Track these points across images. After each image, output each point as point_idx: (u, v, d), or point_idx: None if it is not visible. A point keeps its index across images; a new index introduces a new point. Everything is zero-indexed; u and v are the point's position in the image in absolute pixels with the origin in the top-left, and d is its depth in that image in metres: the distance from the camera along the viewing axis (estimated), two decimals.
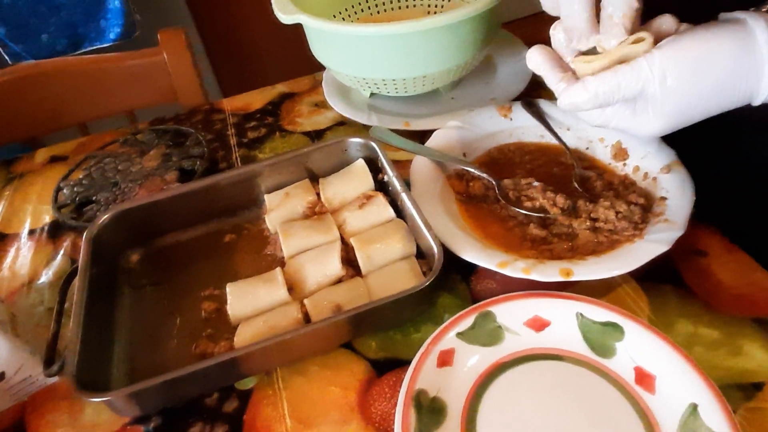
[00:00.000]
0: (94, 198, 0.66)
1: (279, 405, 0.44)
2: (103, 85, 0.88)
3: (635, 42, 0.40)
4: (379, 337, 0.47)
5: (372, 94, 0.74)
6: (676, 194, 0.49)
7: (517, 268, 0.45)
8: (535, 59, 0.44)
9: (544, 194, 0.52)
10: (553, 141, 0.60)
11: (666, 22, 0.41)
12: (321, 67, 0.79)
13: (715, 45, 0.37)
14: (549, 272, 0.44)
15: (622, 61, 0.40)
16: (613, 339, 0.42)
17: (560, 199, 0.52)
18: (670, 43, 0.38)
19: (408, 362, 0.42)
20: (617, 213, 0.49)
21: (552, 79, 0.43)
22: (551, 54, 0.44)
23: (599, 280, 0.48)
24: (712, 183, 0.50)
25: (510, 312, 0.44)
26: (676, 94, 0.39)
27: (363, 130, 0.69)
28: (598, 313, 0.43)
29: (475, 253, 0.47)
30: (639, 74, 0.39)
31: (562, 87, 0.42)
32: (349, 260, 0.52)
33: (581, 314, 0.43)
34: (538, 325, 0.44)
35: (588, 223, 0.50)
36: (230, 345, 0.47)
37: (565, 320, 0.44)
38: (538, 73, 0.45)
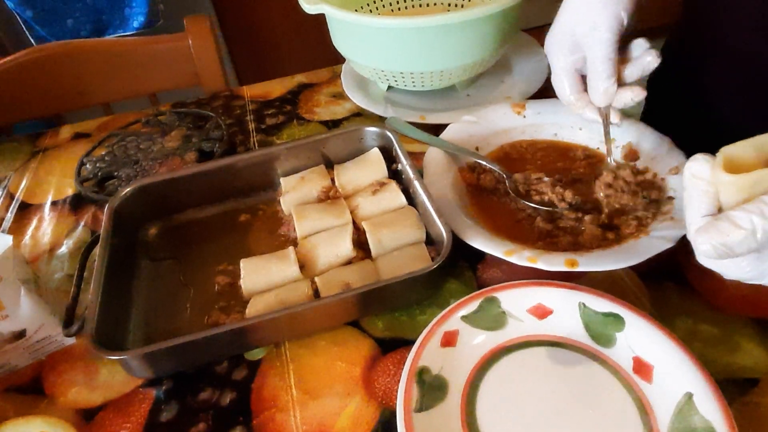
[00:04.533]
0: (115, 174, 0.68)
1: (286, 376, 0.45)
2: (128, 67, 0.91)
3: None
4: (385, 317, 0.49)
5: (389, 88, 0.75)
6: (683, 195, 0.50)
7: (523, 257, 0.46)
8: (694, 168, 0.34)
9: (553, 189, 0.54)
10: (566, 139, 0.61)
11: (639, 44, 0.45)
12: (338, 61, 0.81)
13: None
14: (554, 262, 0.45)
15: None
16: (613, 329, 0.43)
17: (568, 194, 0.53)
18: None
19: (412, 342, 0.43)
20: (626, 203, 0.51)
21: (695, 212, 0.34)
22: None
23: (602, 274, 0.49)
24: None
25: (514, 299, 0.46)
26: None
27: (379, 121, 0.70)
28: (601, 303, 0.44)
29: (483, 240, 0.48)
30: None
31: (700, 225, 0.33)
32: (360, 243, 0.53)
33: (584, 304, 0.44)
34: (541, 312, 0.45)
35: (600, 221, 0.51)
36: (242, 317, 0.48)
37: (567, 309, 0.45)
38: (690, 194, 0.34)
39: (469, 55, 0.66)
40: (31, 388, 0.47)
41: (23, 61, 0.88)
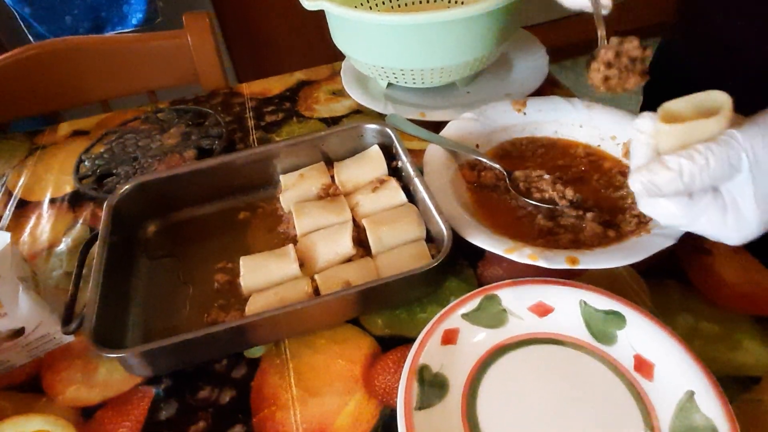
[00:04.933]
0: (114, 171, 0.68)
1: (286, 374, 0.45)
2: (127, 64, 0.90)
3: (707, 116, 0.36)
4: (385, 314, 0.48)
5: (389, 85, 0.75)
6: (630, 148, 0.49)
7: (524, 254, 0.46)
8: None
9: (554, 186, 0.54)
10: (566, 137, 0.61)
11: None
12: (338, 58, 0.80)
13: None
14: (555, 259, 0.45)
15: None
16: (614, 327, 0.43)
17: (569, 192, 0.53)
18: (750, 123, 0.35)
19: (412, 340, 0.43)
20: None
21: (636, 160, 0.38)
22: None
23: (603, 272, 0.49)
24: None
25: (515, 296, 0.45)
26: None
27: (379, 118, 0.70)
28: (601, 301, 0.44)
29: (483, 238, 0.48)
30: (728, 150, 0.34)
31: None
32: (360, 241, 0.53)
33: (584, 302, 0.44)
34: (542, 310, 0.45)
35: (601, 218, 0.51)
36: (241, 315, 0.48)
37: (568, 307, 0.45)
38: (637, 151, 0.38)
39: (470, 52, 0.65)
40: (29, 387, 0.47)
41: (21, 58, 0.87)
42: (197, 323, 0.49)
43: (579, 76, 2.22)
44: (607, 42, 0.44)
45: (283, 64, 1.91)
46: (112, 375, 0.47)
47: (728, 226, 0.37)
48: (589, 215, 0.51)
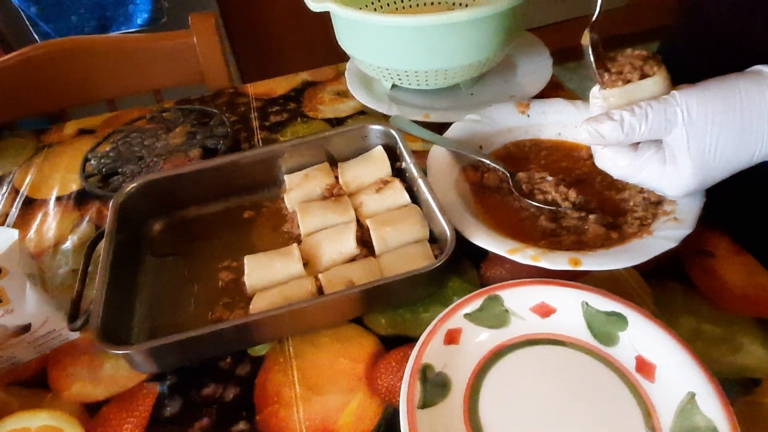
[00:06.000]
0: (119, 170, 0.68)
1: (289, 372, 0.45)
2: (133, 64, 0.91)
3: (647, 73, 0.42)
4: (388, 314, 0.49)
5: (393, 86, 0.76)
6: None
7: (526, 255, 0.46)
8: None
9: (557, 188, 0.54)
10: (570, 139, 0.61)
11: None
12: (343, 59, 0.81)
13: (735, 87, 0.39)
14: (558, 261, 0.45)
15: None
16: (616, 328, 0.43)
17: (572, 194, 0.53)
18: (691, 86, 0.40)
19: (415, 340, 0.43)
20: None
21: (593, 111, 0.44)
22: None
23: (606, 273, 0.49)
24: (722, 187, 0.51)
25: (517, 297, 0.46)
26: (701, 131, 0.39)
27: (383, 119, 0.71)
28: (603, 303, 0.44)
29: (486, 239, 0.48)
30: (666, 106, 0.39)
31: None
32: (364, 241, 0.53)
33: (586, 303, 0.45)
34: (544, 311, 0.45)
35: (604, 220, 0.51)
36: (245, 313, 0.48)
37: (570, 308, 0.45)
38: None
39: (474, 54, 0.66)
40: (35, 382, 0.47)
41: (28, 57, 0.88)
42: (202, 321, 0.49)
43: (583, 79, 2.22)
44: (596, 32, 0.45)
45: (288, 65, 1.91)
46: (117, 371, 0.47)
47: (667, 177, 0.42)
48: (591, 217, 0.51)
